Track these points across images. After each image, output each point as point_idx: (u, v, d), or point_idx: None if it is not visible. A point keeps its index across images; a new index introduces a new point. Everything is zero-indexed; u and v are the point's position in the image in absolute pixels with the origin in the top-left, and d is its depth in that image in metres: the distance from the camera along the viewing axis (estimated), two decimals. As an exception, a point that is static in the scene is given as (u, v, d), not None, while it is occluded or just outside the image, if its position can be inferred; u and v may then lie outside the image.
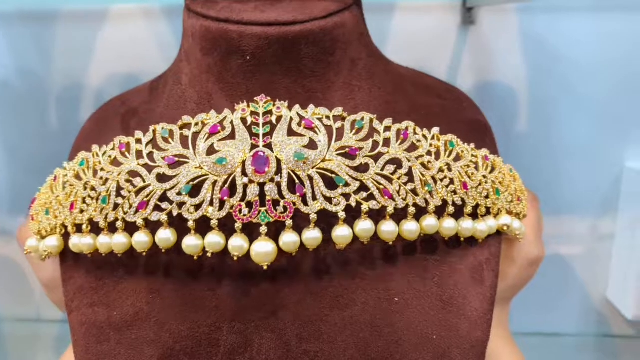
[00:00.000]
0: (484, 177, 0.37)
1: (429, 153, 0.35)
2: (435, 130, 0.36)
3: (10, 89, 0.74)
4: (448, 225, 0.36)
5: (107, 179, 0.35)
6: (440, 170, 0.35)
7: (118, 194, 0.34)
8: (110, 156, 0.35)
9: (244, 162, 0.33)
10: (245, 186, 0.33)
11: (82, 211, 0.36)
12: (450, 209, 0.36)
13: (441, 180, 0.35)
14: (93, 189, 0.35)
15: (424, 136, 0.36)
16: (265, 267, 0.33)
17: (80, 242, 0.36)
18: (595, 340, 0.83)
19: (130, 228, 0.35)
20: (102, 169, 0.35)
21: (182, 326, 0.35)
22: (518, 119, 0.74)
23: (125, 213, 0.34)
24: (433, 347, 0.34)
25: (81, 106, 0.74)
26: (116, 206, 0.34)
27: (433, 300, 0.35)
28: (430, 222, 0.35)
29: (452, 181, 0.36)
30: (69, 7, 0.71)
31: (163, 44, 0.71)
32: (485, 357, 0.41)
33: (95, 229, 0.36)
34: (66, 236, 0.38)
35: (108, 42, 0.71)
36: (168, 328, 0.35)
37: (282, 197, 0.33)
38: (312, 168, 0.33)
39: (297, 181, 0.33)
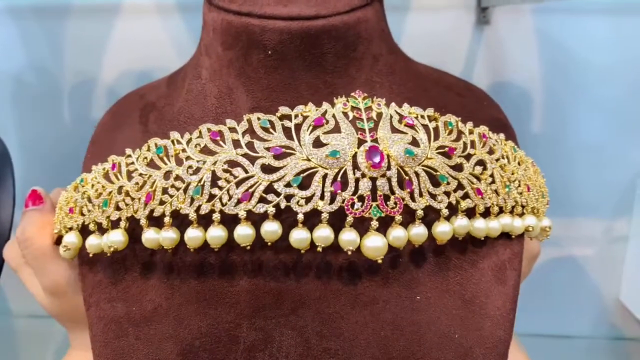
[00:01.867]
0: (536, 181, 0.39)
1: (503, 157, 0.37)
2: (502, 136, 0.38)
3: (24, 85, 0.74)
4: (517, 224, 0.37)
5: (198, 169, 0.33)
6: (512, 173, 0.37)
7: (214, 185, 0.33)
8: (199, 144, 0.34)
9: (354, 156, 0.32)
10: (357, 180, 0.32)
11: (162, 202, 0.33)
12: (519, 209, 0.37)
13: (513, 182, 0.37)
14: (179, 178, 0.33)
15: (497, 141, 0.37)
16: (379, 261, 0.33)
17: (161, 237, 0.34)
18: (607, 342, 0.83)
19: (225, 221, 0.33)
20: (188, 157, 0.33)
21: (202, 322, 0.35)
22: (532, 119, 0.74)
23: (223, 205, 0.32)
24: (455, 346, 0.34)
25: (93, 102, 0.74)
26: (212, 197, 0.32)
27: (455, 299, 0.35)
28: (507, 221, 0.36)
29: (520, 183, 0.37)
30: (81, 2, 0.70)
31: (176, 40, 0.70)
32: None
33: (174, 222, 0.34)
34: (130, 230, 0.35)
35: (121, 38, 0.71)
36: (187, 324, 0.35)
37: (393, 193, 0.33)
38: (419, 165, 0.33)
39: (405, 177, 0.33)
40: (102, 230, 0.36)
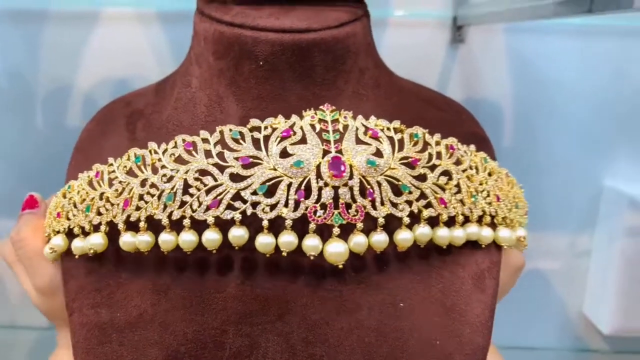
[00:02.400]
0: (509, 192, 0.40)
1: (471, 167, 0.38)
2: (473, 147, 0.39)
3: (-2, 90, 0.73)
4: (486, 234, 0.38)
5: (171, 177, 0.34)
6: (480, 183, 0.38)
7: (185, 192, 0.34)
8: (173, 154, 0.35)
9: (318, 166, 0.34)
10: (320, 189, 0.33)
11: (138, 208, 0.35)
12: (487, 219, 0.38)
13: (481, 192, 0.38)
14: (154, 186, 0.35)
15: (466, 152, 0.38)
16: (340, 266, 0.34)
17: (137, 240, 0.35)
18: (571, 354, 0.85)
19: (196, 226, 0.34)
20: (163, 167, 0.35)
21: (188, 328, 0.35)
22: (503, 134, 0.76)
23: (193, 211, 0.34)
24: (436, 353, 0.35)
25: (69, 109, 0.73)
26: (183, 204, 0.34)
27: (437, 307, 0.36)
28: (473, 230, 0.38)
29: (488, 194, 0.38)
30: (59, 8, 0.70)
31: (155, 49, 0.70)
32: None
33: (150, 227, 0.35)
34: (110, 234, 0.36)
35: (99, 45, 0.70)
36: (173, 330, 0.35)
37: (354, 201, 0.34)
38: (381, 175, 0.34)
39: (367, 186, 0.34)
40: (85, 234, 0.37)
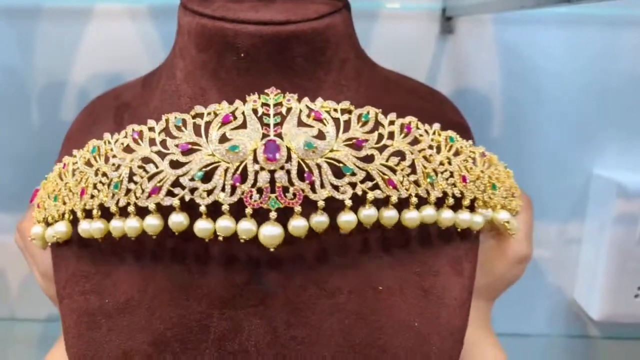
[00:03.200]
0: (482, 172, 0.39)
1: (430, 147, 0.37)
2: (437, 126, 0.38)
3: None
4: (446, 216, 0.37)
5: (119, 165, 0.36)
6: (441, 163, 0.37)
7: (130, 180, 0.35)
8: (122, 143, 0.36)
9: (255, 151, 0.34)
10: (256, 173, 0.34)
11: (92, 197, 0.36)
12: (450, 200, 0.37)
13: (442, 173, 0.37)
14: (105, 175, 0.36)
15: (426, 131, 0.37)
16: (272, 250, 0.35)
17: (91, 227, 0.37)
18: (563, 340, 0.85)
19: (142, 213, 0.35)
20: (114, 156, 0.36)
21: (173, 313, 0.36)
22: (492, 124, 0.76)
23: (137, 198, 0.35)
24: (414, 334, 0.36)
25: (63, 104, 0.74)
26: (128, 191, 0.35)
27: (415, 290, 0.37)
28: (429, 212, 0.37)
29: (452, 174, 0.37)
30: (52, 4, 0.71)
31: (148, 44, 0.71)
32: (468, 349, 0.43)
33: (106, 214, 0.36)
34: (74, 222, 0.38)
35: (92, 40, 0.71)
36: (159, 315, 0.36)
37: (292, 184, 0.34)
38: (321, 157, 0.34)
39: (306, 169, 0.34)
40: (55, 222, 0.39)
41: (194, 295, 0.36)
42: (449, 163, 0.37)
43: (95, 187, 0.36)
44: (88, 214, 0.37)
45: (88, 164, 0.38)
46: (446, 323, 0.37)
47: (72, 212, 0.38)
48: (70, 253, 0.39)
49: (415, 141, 0.37)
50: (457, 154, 0.38)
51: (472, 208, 0.39)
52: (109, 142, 0.37)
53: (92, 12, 0.71)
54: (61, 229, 0.38)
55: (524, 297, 0.83)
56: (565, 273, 0.83)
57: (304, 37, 0.38)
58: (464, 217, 0.38)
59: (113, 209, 0.36)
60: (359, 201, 0.35)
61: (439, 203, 0.37)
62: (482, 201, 0.39)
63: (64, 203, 0.38)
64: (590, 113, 0.75)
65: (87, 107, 0.48)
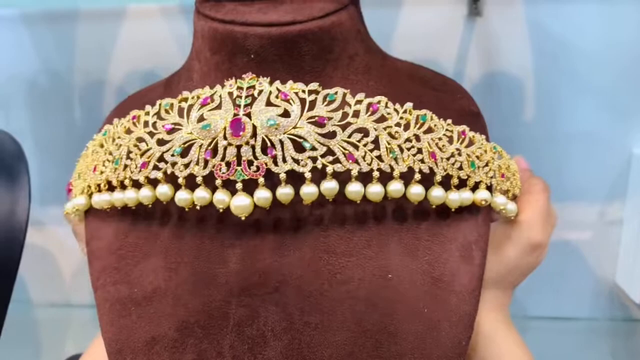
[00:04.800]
0: (457, 149, 0.39)
1: (397, 124, 0.38)
2: (409, 105, 0.39)
3: (37, 88, 0.78)
4: (415, 191, 0.38)
5: (120, 145, 0.40)
6: (408, 140, 0.38)
7: (128, 157, 0.40)
8: (125, 126, 0.41)
9: (225, 128, 0.37)
10: (225, 148, 0.37)
11: (101, 172, 0.41)
12: (417, 176, 0.38)
13: (408, 149, 0.38)
14: (110, 153, 0.41)
15: (395, 110, 0.38)
16: (243, 218, 0.38)
17: (100, 199, 0.42)
18: (605, 324, 0.84)
19: (137, 185, 0.40)
20: (118, 137, 0.41)
21: (196, 301, 0.39)
22: (526, 107, 0.76)
23: (131, 172, 0.39)
24: (424, 320, 0.37)
25: (103, 102, 0.78)
26: (125, 167, 0.40)
27: (424, 277, 0.38)
28: (395, 187, 0.38)
29: (419, 150, 0.38)
30: (88, 8, 0.74)
31: (181, 41, 0.74)
32: (481, 339, 0.44)
33: (112, 188, 0.41)
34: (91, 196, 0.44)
35: (127, 40, 0.75)
36: (183, 303, 0.39)
37: (256, 158, 0.36)
38: (284, 133, 0.37)
39: (269, 145, 0.37)
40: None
41: (214, 284, 0.39)
42: (417, 140, 0.38)
43: (103, 164, 0.42)
44: (99, 188, 0.42)
45: (101, 145, 0.43)
46: (456, 309, 0.38)
47: (89, 186, 0.43)
48: (101, 248, 0.42)
49: (382, 119, 0.38)
50: (428, 131, 0.39)
51: (447, 186, 0.39)
52: (116, 126, 0.42)
53: (126, 13, 0.74)
54: (80, 201, 0.44)
55: (566, 280, 0.83)
56: (606, 255, 0.82)
57: (311, 35, 0.39)
58: (436, 194, 0.38)
59: (115, 182, 0.41)
60: (322, 176, 0.37)
61: (407, 179, 0.38)
62: (457, 178, 0.39)
63: (85, 180, 0.43)
64: (628, 91, 0.74)
65: (116, 108, 0.51)
